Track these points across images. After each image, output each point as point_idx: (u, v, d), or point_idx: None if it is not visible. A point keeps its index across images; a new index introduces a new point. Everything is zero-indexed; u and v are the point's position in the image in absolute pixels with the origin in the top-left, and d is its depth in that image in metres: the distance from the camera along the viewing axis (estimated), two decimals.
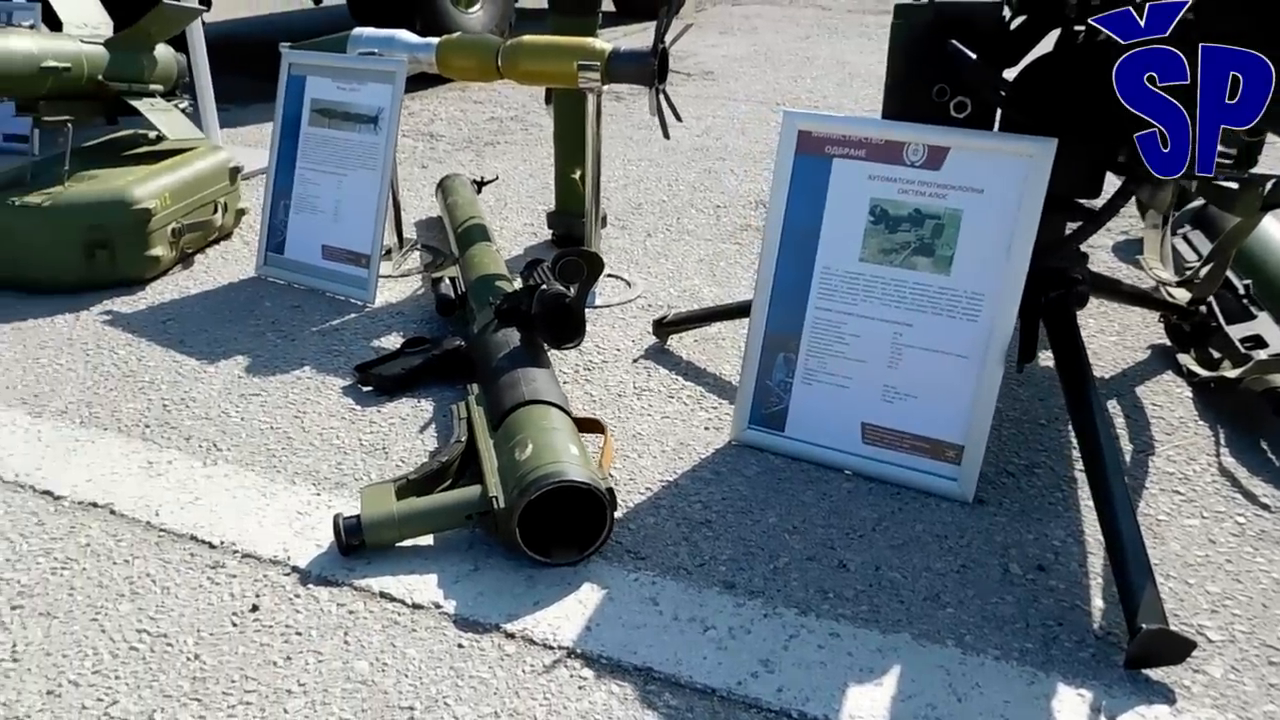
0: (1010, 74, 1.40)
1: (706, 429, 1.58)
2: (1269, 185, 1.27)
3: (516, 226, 2.52)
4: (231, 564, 1.27)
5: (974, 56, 1.27)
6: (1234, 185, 1.37)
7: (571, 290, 1.59)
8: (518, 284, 1.74)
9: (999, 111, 1.39)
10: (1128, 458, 1.53)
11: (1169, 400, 1.70)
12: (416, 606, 1.21)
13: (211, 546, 1.30)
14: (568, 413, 1.42)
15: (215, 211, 2.30)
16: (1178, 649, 1.09)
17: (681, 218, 2.59)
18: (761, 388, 1.52)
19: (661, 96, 1.91)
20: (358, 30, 2.14)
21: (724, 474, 1.46)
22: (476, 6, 4.53)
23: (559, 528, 1.28)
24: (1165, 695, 1.08)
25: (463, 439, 1.42)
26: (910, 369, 1.42)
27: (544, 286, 1.60)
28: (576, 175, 2.28)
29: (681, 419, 1.61)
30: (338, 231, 2.10)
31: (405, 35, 2.11)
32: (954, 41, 1.29)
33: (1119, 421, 1.63)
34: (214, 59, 2.86)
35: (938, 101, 1.34)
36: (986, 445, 1.50)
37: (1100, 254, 2.38)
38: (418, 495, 1.32)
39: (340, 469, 1.49)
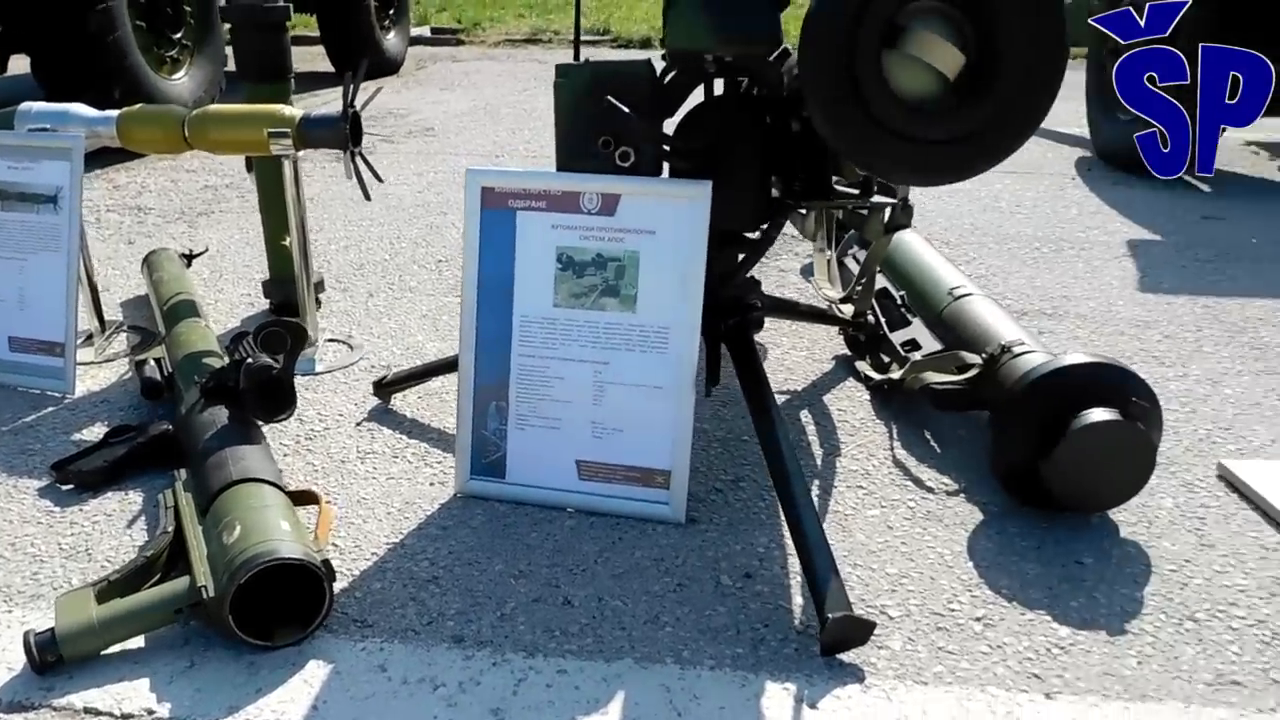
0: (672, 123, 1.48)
1: (432, 485, 1.55)
2: (888, 212, 1.40)
3: (233, 298, 2.38)
4: None
5: (628, 111, 1.33)
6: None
7: (278, 361, 1.52)
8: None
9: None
10: (818, 461, 1.64)
11: (851, 404, 1.84)
12: (126, 716, 1.10)
13: None
14: (281, 487, 1.34)
15: None
16: (862, 630, 1.17)
17: (404, 275, 2.54)
18: (479, 438, 1.51)
19: (358, 159, 1.87)
20: (25, 105, 1.95)
21: (451, 528, 1.44)
22: (181, 73, 4.27)
23: (281, 607, 1.20)
24: (856, 674, 1.16)
25: (169, 529, 1.31)
26: (613, 404, 1.45)
27: (249, 360, 1.52)
28: (286, 242, 2.18)
29: (407, 478, 1.57)
30: (25, 321, 1.90)
31: (80, 109, 1.95)
32: (610, 98, 1.35)
33: (809, 429, 1.75)
34: None
35: (605, 153, 1.39)
36: (695, 465, 1.57)
37: (791, 276, 2.56)
38: (122, 596, 1.20)
39: (36, 579, 1.33)
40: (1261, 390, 1.92)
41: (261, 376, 1.50)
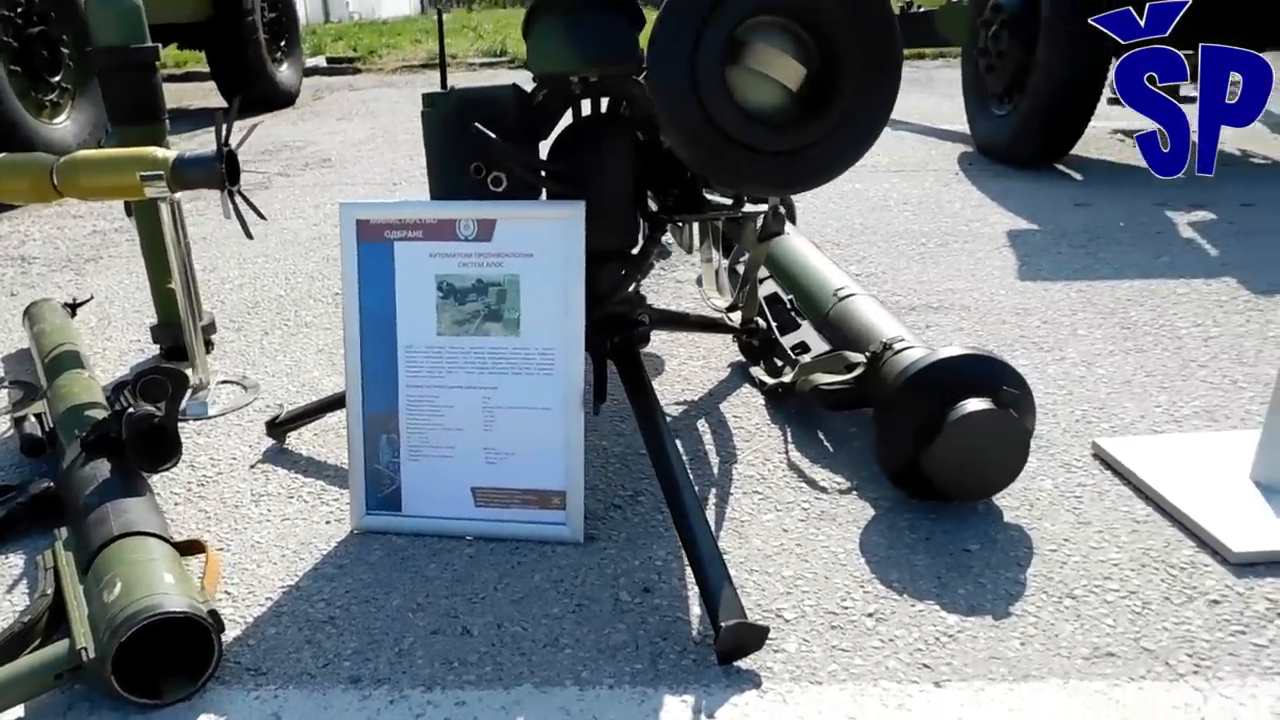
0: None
1: (328, 523, 1.51)
2: (759, 221, 1.42)
3: (122, 345, 2.29)
4: None
5: (494, 137, 1.32)
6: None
7: (160, 409, 1.46)
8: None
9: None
10: (715, 469, 1.65)
11: (747, 410, 1.85)
12: None
13: None
14: (166, 539, 1.29)
15: None
16: (756, 636, 1.18)
17: (300, 310, 2.48)
18: (372, 472, 1.47)
19: (237, 198, 1.82)
20: None
21: (347, 565, 1.40)
22: (63, 116, 4.12)
23: (170, 663, 1.16)
24: (753, 680, 1.16)
25: (49, 591, 1.25)
26: (504, 428, 1.43)
27: (130, 410, 1.46)
28: (171, 285, 2.11)
29: (302, 518, 1.53)
30: None
31: None
32: (477, 125, 1.33)
33: (706, 437, 1.76)
34: None
35: (477, 179, 1.38)
36: (593, 483, 1.56)
37: (688, 287, 2.57)
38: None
39: None
40: (1131, 368, 2.00)
41: (143, 426, 1.45)
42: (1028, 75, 3.65)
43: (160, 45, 2.00)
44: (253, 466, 1.69)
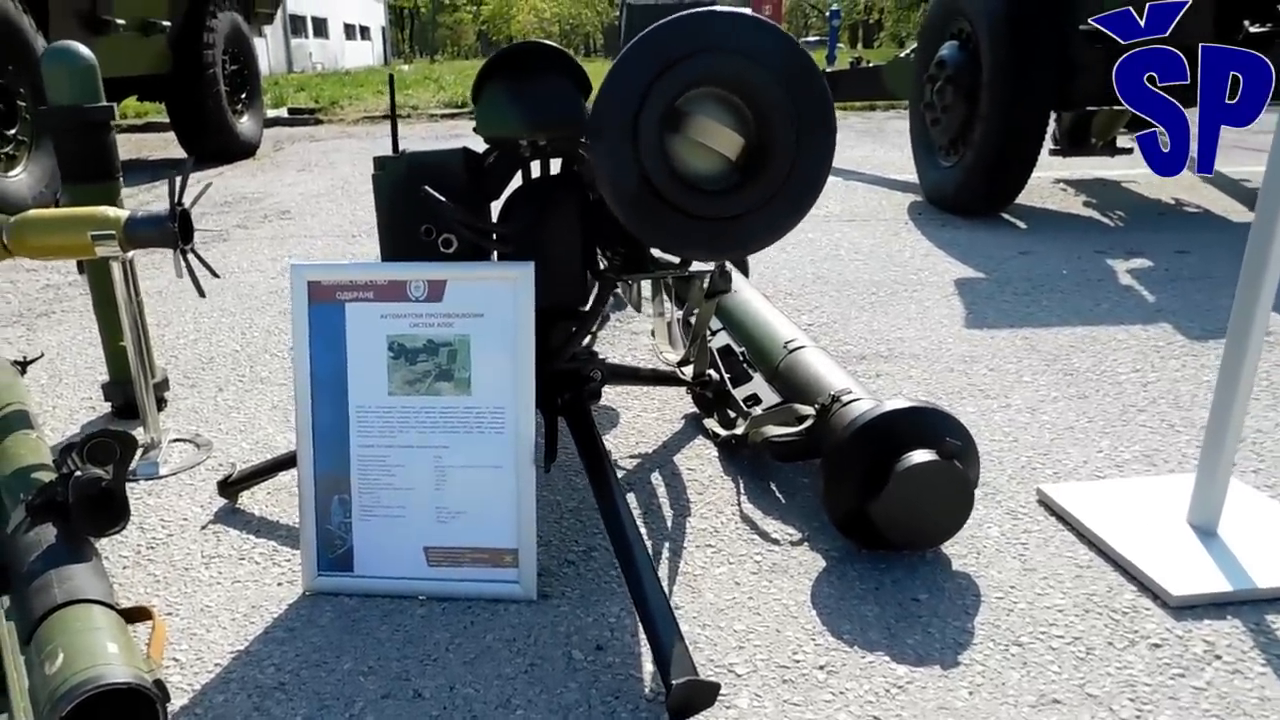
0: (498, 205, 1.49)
1: (280, 585, 1.49)
2: (705, 280, 1.44)
3: (73, 404, 2.25)
4: None
5: (443, 200, 1.33)
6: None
7: (108, 472, 1.44)
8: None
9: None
10: (669, 523, 1.65)
11: (700, 461, 1.86)
12: None
13: None
14: (112, 606, 1.26)
15: None
16: (708, 693, 1.17)
17: (255, 365, 2.46)
18: (324, 533, 1.46)
19: (190, 256, 1.80)
20: None
21: (298, 629, 1.38)
22: (19, 169, 4.08)
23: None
24: None
25: None
26: (456, 487, 1.43)
27: (77, 473, 1.43)
28: (123, 344, 2.09)
29: (253, 580, 1.50)
30: None
31: None
32: (426, 188, 1.35)
33: (660, 490, 1.76)
34: None
35: (427, 240, 1.39)
36: (547, 538, 1.56)
37: (643, 339, 2.59)
38: None
39: None
40: (1074, 414, 2.04)
41: (90, 490, 1.42)
42: (971, 128, 3.75)
43: (115, 105, 2.00)
44: (204, 528, 1.66)
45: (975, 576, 1.47)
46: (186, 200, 1.81)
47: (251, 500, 1.75)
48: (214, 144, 6.03)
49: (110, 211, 1.79)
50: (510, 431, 1.41)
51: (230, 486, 1.72)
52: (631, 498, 1.72)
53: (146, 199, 4.88)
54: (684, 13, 1.06)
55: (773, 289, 3.01)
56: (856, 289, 3.00)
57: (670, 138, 1.11)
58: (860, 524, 1.49)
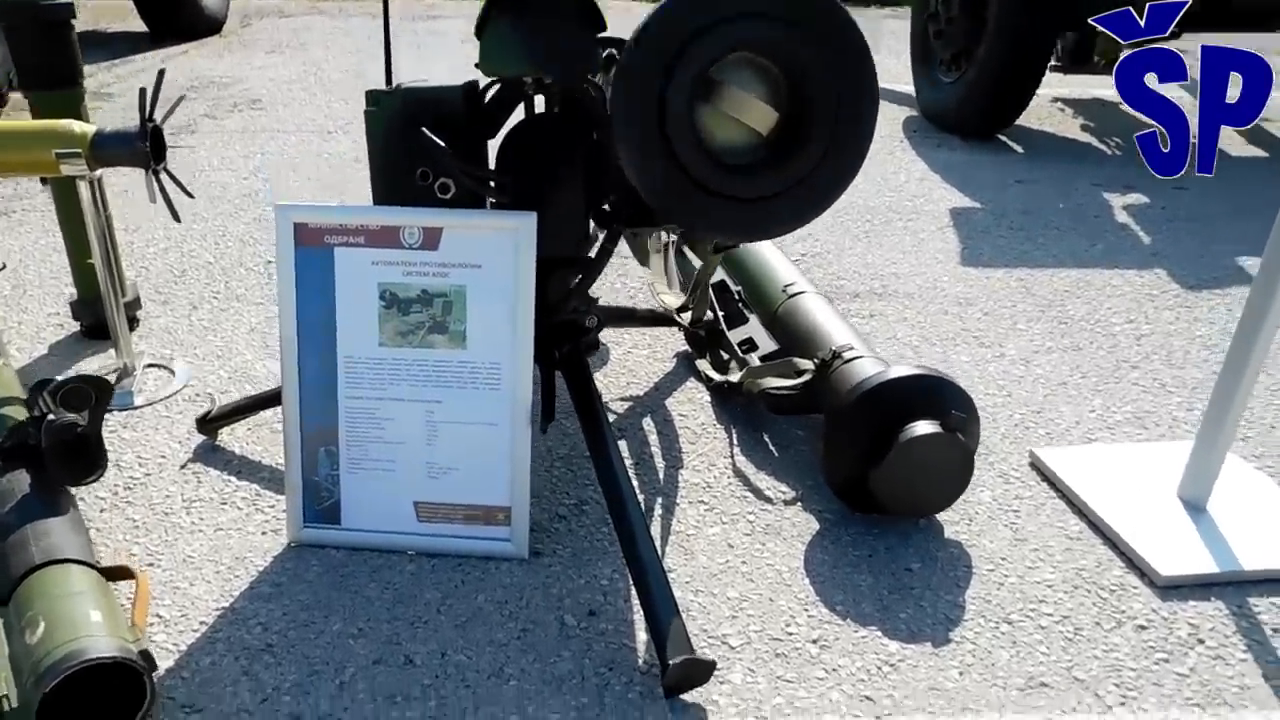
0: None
1: (264, 534, 1.46)
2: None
3: (39, 319, 2.17)
4: None
5: (442, 145, 1.25)
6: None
7: (83, 418, 1.38)
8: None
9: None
10: (661, 476, 1.63)
11: (692, 407, 1.83)
12: None
13: None
14: (93, 564, 1.23)
15: None
16: (703, 670, 1.18)
17: (230, 280, 2.37)
18: (310, 484, 1.42)
19: (163, 176, 1.70)
20: None
21: (285, 584, 1.36)
22: None
23: (101, 703, 1.11)
24: (699, 715, 1.16)
25: None
26: (448, 443, 1.39)
27: (50, 417, 1.38)
28: (91, 262, 1.99)
29: (236, 528, 1.47)
30: None
31: None
32: (425, 130, 1.26)
33: (652, 437, 1.73)
34: None
35: (423, 185, 1.31)
36: (538, 489, 1.54)
37: (632, 265, 2.52)
38: None
39: None
40: (1068, 368, 2.03)
41: (65, 436, 1.36)
42: (977, 44, 3.62)
43: (74, 3, 1.85)
44: (183, 467, 1.62)
45: (968, 545, 1.47)
46: (158, 115, 1.70)
47: (232, 437, 1.70)
48: (177, 18, 5.70)
49: (76, 126, 1.67)
50: (507, 388, 1.37)
51: (209, 423, 1.67)
52: (623, 446, 1.70)
53: (106, 79, 4.63)
54: None
55: None
56: (851, 215, 2.94)
57: (699, 108, 1.03)
58: (858, 489, 1.48)
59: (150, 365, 1.94)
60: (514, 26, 1.27)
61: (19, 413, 1.52)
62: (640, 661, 1.23)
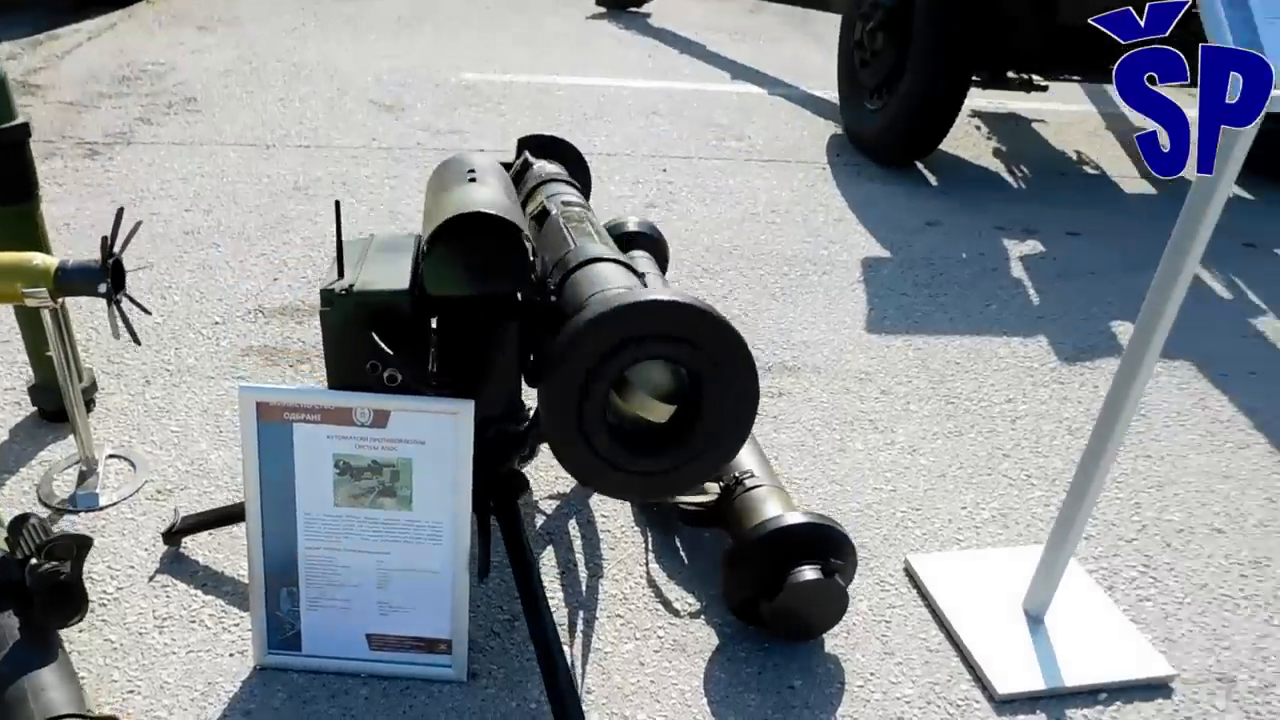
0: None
1: (232, 656, 1.65)
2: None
3: None
4: None
5: (390, 353, 1.42)
6: None
7: (65, 567, 1.55)
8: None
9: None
10: (583, 587, 1.85)
11: (613, 510, 2.05)
12: None
13: None
14: (87, 715, 1.41)
15: None
16: None
17: (180, 346, 2.49)
18: (273, 618, 1.61)
19: (122, 305, 1.82)
20: None
21: (254, 711, 1.56)
22: None
23: None
24: None
25: None
26: (397, 587, 1.59)
27: (34, 562, 1.54)
28: (49, 353, 2.11)
29: (206, 649, 1.66)
30: None
31: None
32: (374, 334, 1.43)
33: (576, 542, 1.95)
34: None
35: (373, 375, 1.48)
36: (473, 602, 1.74)
37: None
38: None
39: None
40: (949, 457, 2.29)
41: (50, 583, 1.53)
42: (899, 76, 3.80)
43: (29, 122, 1.93)
44: (151, 579, 1.79)
45: (843, 660, 1.73)
46: (117, 247, 1.82)
47: (195, 544, 1.87)
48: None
49: (38, 261, 1.78)
50: (448, 542, 1.57)
51: (174, 536, 1.84)
52: (551, 552, 1.92)
53: (32, 63, 4.55)
54: (649, 299, 1.17)
55: (690, 262, 3.12)
56: (769, 267, 3.14)
57: (613, 401, 1.23)
58: (752, 611, 1.73)
59: (111, 456, 2.09)
60: (452, 253, 1.43)
61: None
62: None
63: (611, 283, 1.40)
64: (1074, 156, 4.38)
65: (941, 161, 4.16)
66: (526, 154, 2.21)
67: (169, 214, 3.18)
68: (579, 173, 2.34)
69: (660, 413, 1.25)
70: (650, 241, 2.67)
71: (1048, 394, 2.58)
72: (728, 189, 3.72)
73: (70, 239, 2.96)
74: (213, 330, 2.57)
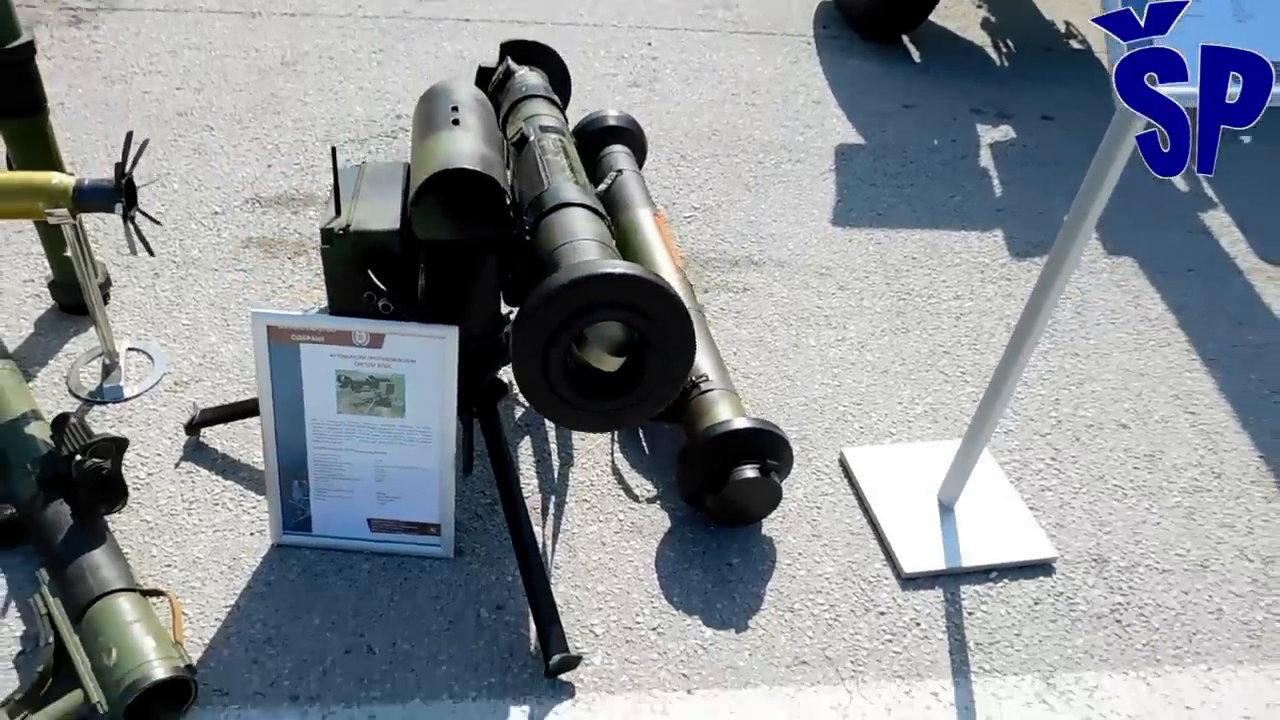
0: None
1: (252, 534, 1.95)
2: None
3: (15, 287, 2.48)
4: None
5: (384, 289, 1.64)
6: None
7: (107, 463, 1.82)
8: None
9: None
10: (555, 474, 2.14)
11: None
12: None
13: None
14: (135, 589, 1.71)
15: None
16: (574, 661, 1.75)
17: (184, 236, 2.68)
18: (287, 505, 1.90)
19: (135, 222, 2.01)
20: None
21: (275, 583, 1.87)
22: None
23: (164, 693, 1.63)
24: (569, 691, 1.74)
25: (50, 639, 1.68)
26: (392, 481, 1.88)
27: (79, 459, 1.80)
28: (67, 254, 2.31)
29: (230, 529, 1.96)
30: None
31: None
32: (370, 273, 1.65)
33: (550, 434, 2.23)
34: None
35: (369, 304, 1.70)
36: (459, 489, 2.02)
37: None
38: (32, 710, 1.59)
39: None
40: (891, 356, 2.54)
41: (95, 478, 1.80)
42: None
43: (34, 39, 2.06)
44: (178, 464, 2.07)
45: (776, 541, 2.04)
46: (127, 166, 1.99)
47: (213, 434, 2.14)
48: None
49: (56, 181, 1.96)
50: (435, 444, 1.84)
51: (195, 428, 2.10)
52: (527, 442, 2.20)
53: None
54: (606, 271, 1.39)
55: (669, 148, 3.26)
56: (746, 153, 3.29)
57: (572, 353, 1.47)
58: (699, 500, 2.02)
59: (130, 349, 2.33)
60: (437, 205, 1.63)
61: (42, 430, 1.94)
62: (532, 648, 1.81)
63: (579, 234, 1.61)
64: (1062, 29, 4.41)
65: (927, 35, 4.20)
66: (509, 61, 2.34)
67: (160, 93, 3.29)
68: (561, 83, 2.48)
69: (611, 364, 1.49)
70: (629, 135, 2.84)
71: (994, 290, 2.80)
72: (711, 65, 3.79)
73: (65, 119, 3.08)
74: (213, 221, 2.75)
